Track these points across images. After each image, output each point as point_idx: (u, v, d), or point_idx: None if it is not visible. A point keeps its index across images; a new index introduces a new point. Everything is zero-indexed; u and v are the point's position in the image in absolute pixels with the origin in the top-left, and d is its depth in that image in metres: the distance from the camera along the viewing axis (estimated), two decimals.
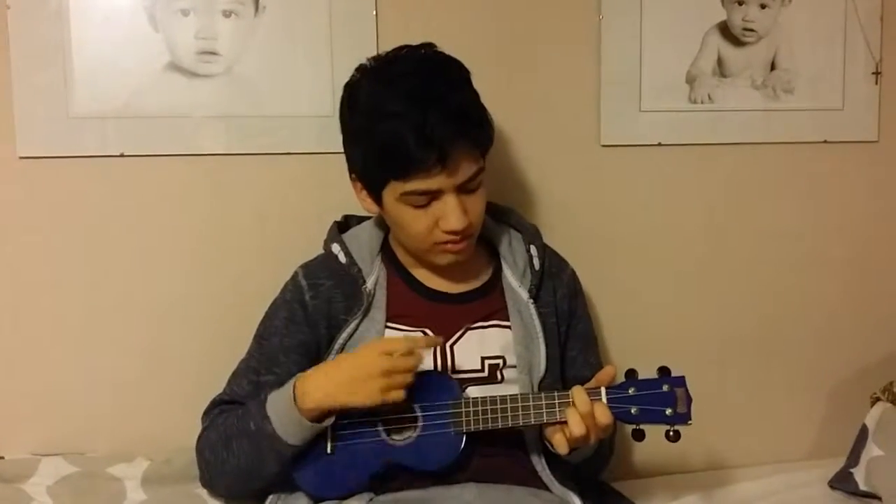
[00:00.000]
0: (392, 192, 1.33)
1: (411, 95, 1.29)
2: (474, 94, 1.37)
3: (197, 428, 1.43)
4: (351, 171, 1.41)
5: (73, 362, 1.60)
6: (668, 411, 1.27)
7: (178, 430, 1.51)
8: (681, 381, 1.28)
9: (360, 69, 1.40)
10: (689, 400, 1.28)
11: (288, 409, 1.28)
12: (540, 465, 1.39)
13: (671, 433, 1.28)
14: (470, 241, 1.39)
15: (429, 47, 1.39)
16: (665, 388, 1.28)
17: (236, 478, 1.38)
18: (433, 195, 1.32)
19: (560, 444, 1.28)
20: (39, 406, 1.60)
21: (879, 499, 1.60)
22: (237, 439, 1.34)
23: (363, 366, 1.28)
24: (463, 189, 1.33)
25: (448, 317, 1.41)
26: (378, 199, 1.37)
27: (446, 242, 1.36)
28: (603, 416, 1.26)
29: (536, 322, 1.43)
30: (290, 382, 1.31)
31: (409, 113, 1.27)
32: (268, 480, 1.37)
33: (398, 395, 1.28)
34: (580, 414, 1.25)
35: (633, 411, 1.27)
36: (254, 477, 1.36)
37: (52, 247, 1.58)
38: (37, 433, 1.59)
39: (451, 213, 1.32)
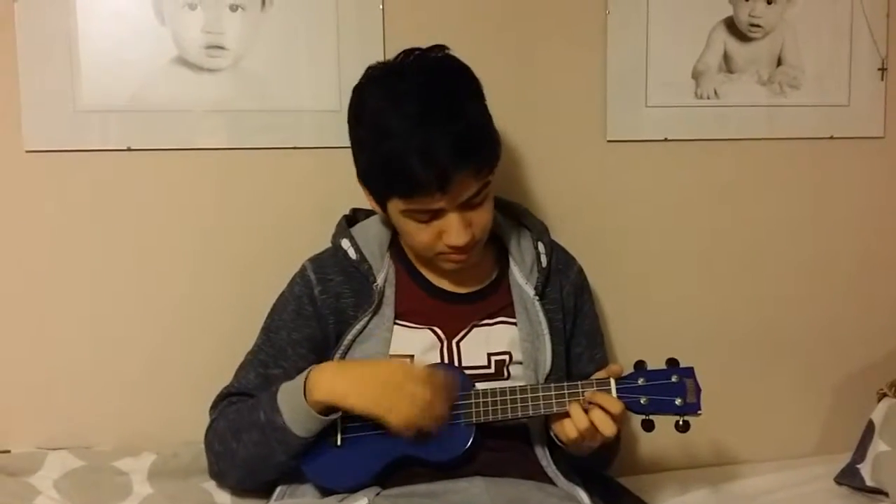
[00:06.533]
0: (395, 206, 1.32)
1: (416, 117, 1.25)
2: (482, 111, 1.34)
3: (203, 421, 1.43)
4: (357, 174, 1.39)
5: (78, 356, 1.60)
6: (678, 401, 1.27)
7: (184, 424, 1.51)
8: (690, 371, 1.29)
9: (368, 74, 1.37)
10: (698, 390, 1.28)
11: (298, 401, 1.28)
12: (545, 459, 1.39)
13: (681, 423, 1.28)
14: (474, 250, 1.38)
15: (439, 50, 1.36)
16: (674, 378, 1.28)
17: (246, 469, 1.38)
18: (435, 213, 1.31)
19: (569, 428, 1.28)
20: (45, 400, 1.60)
21: (886, 494, 1.60)
22: (247, 430, 1.34)
23: (382, 375, 1.28)
24: (467, 205, 1.31)
25: (455, 314, 1.41)
26: (383, 207, 1.37)
27: (450, 253, 1.35)
28: (612, 405, 1.26)
29: (542, 319, 1.43)
30: (302, 374, 1.31)
31: (413, 135, 1.24)
32: (277, 472, 1.37)
33: (400, 417, 1.25)
34: (613, 415, 1.26)
35: (642, 401, 1.27)
36: (263, 468, 1.36)
37: (58, 241, 1.58)
38: (43, 427, 1.59)
39: (453, 230, 1.31)
